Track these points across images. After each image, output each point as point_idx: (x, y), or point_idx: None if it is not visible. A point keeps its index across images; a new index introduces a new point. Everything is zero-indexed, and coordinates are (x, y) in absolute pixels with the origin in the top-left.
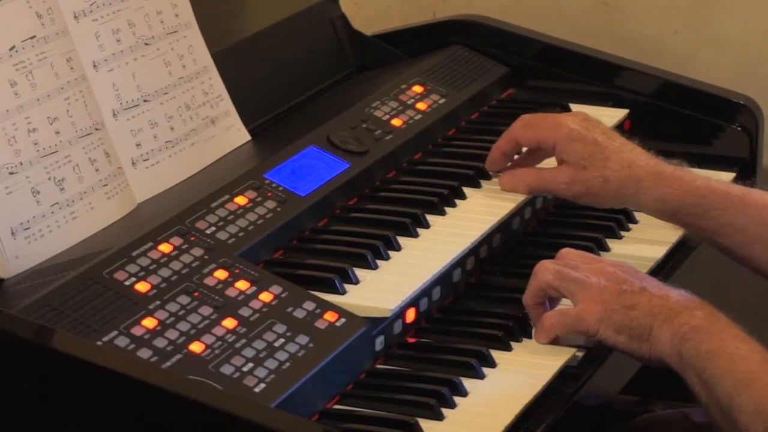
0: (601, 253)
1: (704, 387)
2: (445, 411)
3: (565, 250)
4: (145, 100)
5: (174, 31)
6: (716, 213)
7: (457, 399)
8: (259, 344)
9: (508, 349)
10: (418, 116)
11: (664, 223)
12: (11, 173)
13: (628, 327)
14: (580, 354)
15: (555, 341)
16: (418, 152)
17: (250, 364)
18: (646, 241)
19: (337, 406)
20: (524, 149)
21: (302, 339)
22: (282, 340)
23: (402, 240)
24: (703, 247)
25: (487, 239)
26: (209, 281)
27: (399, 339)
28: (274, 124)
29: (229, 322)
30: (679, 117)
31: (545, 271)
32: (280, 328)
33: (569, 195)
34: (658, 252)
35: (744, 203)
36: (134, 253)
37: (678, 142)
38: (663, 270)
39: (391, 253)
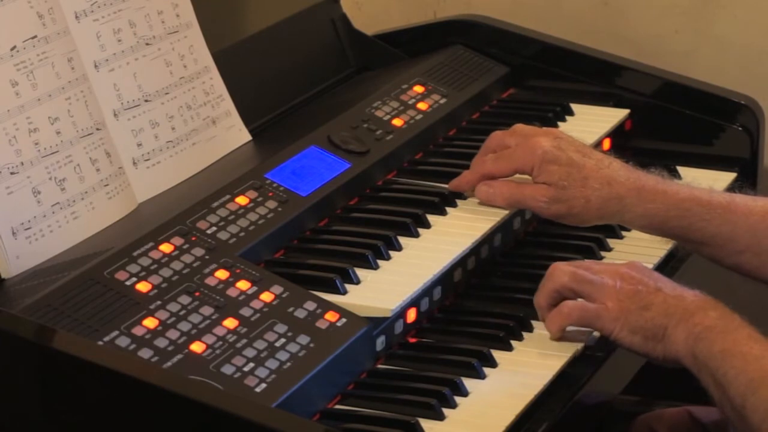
0: (602, 252)
1: (718, 387)
2: (446, 411)
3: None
4: (146, 100)
5: (175, 31)
6: (702, 224)
7: (458, 399)
8: (259, 344)
9: (509, 349)
10: (419, 116)
11: None
12: (12, 173)
13: (643, 327)
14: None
15: (561, 336)
16: (419, 152)
17: (251, 364)
18: (648, 240)
19: (337, 406)
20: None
21: (303, 339)
22: (283, 340)
23: (403, 240)
24: None
25: (488, 239)
26: (210, 281)
27: (400, 339)
28: (275, 124)
29: (230, 322)
30: (680, 117)
31: (561, 273)
32: (280, 328)
33: (549, 214)
34: (661, 250)
35: (729, 212)
36: (135, 253)
37: (678, 142)
38: (668, 266)
39: (392, 253)
